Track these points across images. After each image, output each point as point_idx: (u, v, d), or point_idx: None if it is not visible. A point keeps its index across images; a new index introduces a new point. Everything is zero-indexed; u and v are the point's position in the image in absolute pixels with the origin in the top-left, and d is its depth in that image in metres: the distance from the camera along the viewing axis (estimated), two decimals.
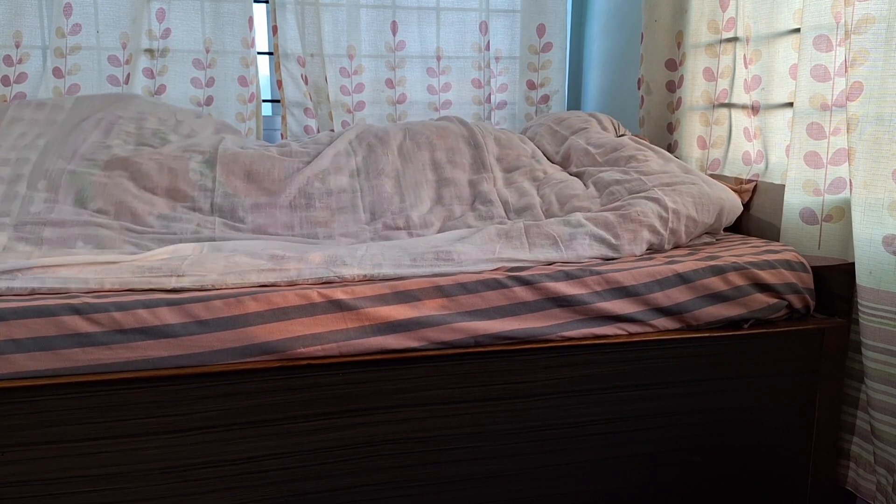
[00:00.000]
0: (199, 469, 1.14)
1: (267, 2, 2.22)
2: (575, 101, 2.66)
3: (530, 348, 1.24)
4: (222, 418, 1.13)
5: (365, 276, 1.22)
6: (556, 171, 1.77)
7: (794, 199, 1.51)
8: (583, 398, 1.28)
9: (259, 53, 2.24)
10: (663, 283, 1.31)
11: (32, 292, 1.12)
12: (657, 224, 1.44)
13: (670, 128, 2.08)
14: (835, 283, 1.40)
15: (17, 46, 2.02)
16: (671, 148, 2.06)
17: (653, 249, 1.46)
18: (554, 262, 1.33)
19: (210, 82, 2.19)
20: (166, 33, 2.13)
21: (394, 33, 2.31)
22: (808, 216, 1.49)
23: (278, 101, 2.26)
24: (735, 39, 1.82)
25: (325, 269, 1.23)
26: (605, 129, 1.93)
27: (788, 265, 1.38)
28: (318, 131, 2.23)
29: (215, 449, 1.14)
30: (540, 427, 1.27)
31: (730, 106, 1.85)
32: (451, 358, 1.21)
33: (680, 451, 1.35)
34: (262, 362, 1.14)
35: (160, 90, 2.15)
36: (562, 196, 1.62)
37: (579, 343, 1.26)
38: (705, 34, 1.90)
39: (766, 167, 1.71)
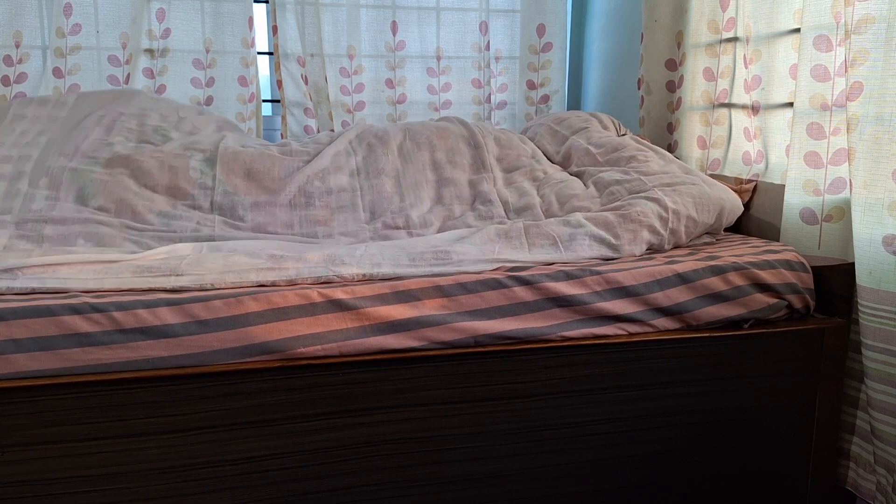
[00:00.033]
0: (199, 469, 1.14)
1: (267, 2, 2.22)
2: (575, 101, 2.66)
3: (530, 348, 1.24)
4: (222, 418, 1.13)
5: (364, 275, 1.22)
6: (556, 171, 1.77)
7: (794, 199, 1.51)
8: (583, 398, 1.28)
9: (259, 53, 2.24)
10: (663, 283, 1.31)
11: (32, 291, 1.13)
12: (657, 224, 1.44)
13: (670, 128, 2.08)
14: (835, 283, 1.40)
15: (17, 46, 2.02)
16: (671, 148, 2.06)
17: (653, 249, 1.46)
18: (554, 263, 1.33)
19: (210, 82, 2.19)
20: (166, 33, 2.13)
21: (394, 33, 2.31)
22: (808, 216, 1.49)
23: (278, 101, 2.26)
24: (735, 39, 1.82)
25: (324, 268, 1.23)
26: (605, 128, 1.93)
27: (788, 265, 1.38)
28: (318, 131, 2.23)
29: (215, 449, 1.14)
30: (540, 427, 1.27)
31: (730, 106, 1.85)
32: (451, 358, 1.21)
33: (680, 451, 1.35)
34: (262, 362, 1.14)
35: (160, 90, 2.15)
36: (562, 196, 1.62)
37: (579, 343, 1.26)
38: (705, 34, 1.90)
39: (766, 167, 1.71)
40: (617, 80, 2.42)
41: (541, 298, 1.25)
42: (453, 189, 1.70)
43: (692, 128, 1.97)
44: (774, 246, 1.49)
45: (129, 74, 2.11)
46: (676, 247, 1.50)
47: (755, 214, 1.73)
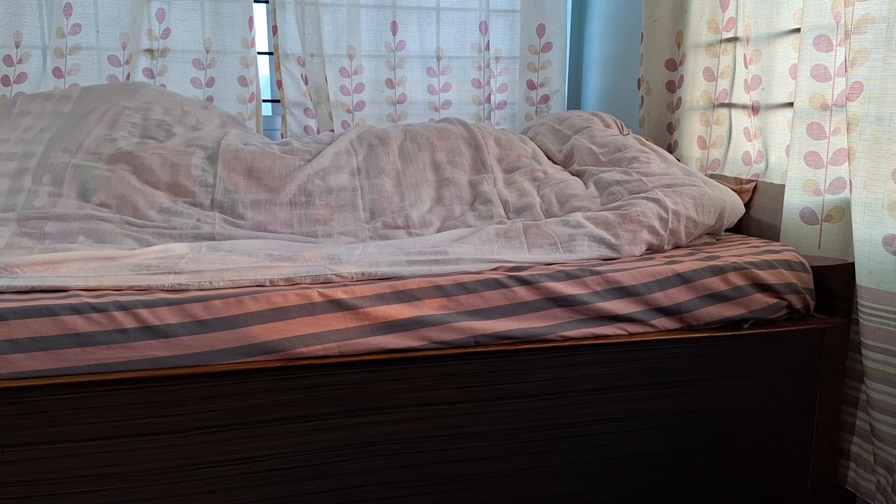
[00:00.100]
0: (199, 469, 1.14)
1: (267, 2, 2.22)
2: (575, 101, 2.66)
3: (530, 348, 1.24)
4: (222, 418, 1.13)
5: (362, 274, 1.22)
6: (556, 171, 1.77)
7: (794, 199, 1.51)
8: (583, 398, 1.28)
9: (259, 53, 2.24)
10: (663, 283, 1.31)
11: (32, 290, 1.13)
12: (657, 225, 1.44)
13: (670, 128, 2.08)
14: (835, 283, 1.40)
15: (17, 46, 2.02)
16: (671, 148, 2.06)
17: (652, 250, 1.46)
18: (553, 263, 1.33)
19: (210, 82, 2.19)
20: (166, 33, 2.13)
21: (394, 33, 2.31)
22: (808, 216, 1.49)
23: (278, 101, 2.26)
24: (735, 39, 1.82)
25: (322, 267, 1.23)
26: (608, 126, 1.93)
27: (788, 265, 1.38)
28: (318, 131, 2.23)
29: (215, 449, 1.14)
30: (540, 427, 1.27)
31: (730, 106, 1.85)
32: (451, 358, 1.21)
33: (680, 451, 1.35)
34: (262, 362, 1.14)
35: None
36: (562, 196, 1.62)
37: (579, 343, 1.26)
38: (705, 34, 1.90)
39: (766, 167, 1.71)
40: (617, 80, 2.42)
41: (541, 298, 1.25)
42: (453, 189, 1.70)
43: (692, 128, 1.97)
44: (774, 246, 1.49)
45: (128, 74, 2.11)
46: (676, 247, 1.50)
47: (755, 214, 1.73)
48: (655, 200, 1.47)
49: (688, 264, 1.34)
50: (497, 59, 2.42)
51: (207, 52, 2.17)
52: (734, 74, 1.83)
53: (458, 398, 1.22)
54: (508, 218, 1.61)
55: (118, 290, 1.15)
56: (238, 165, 1.64)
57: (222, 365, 1.12)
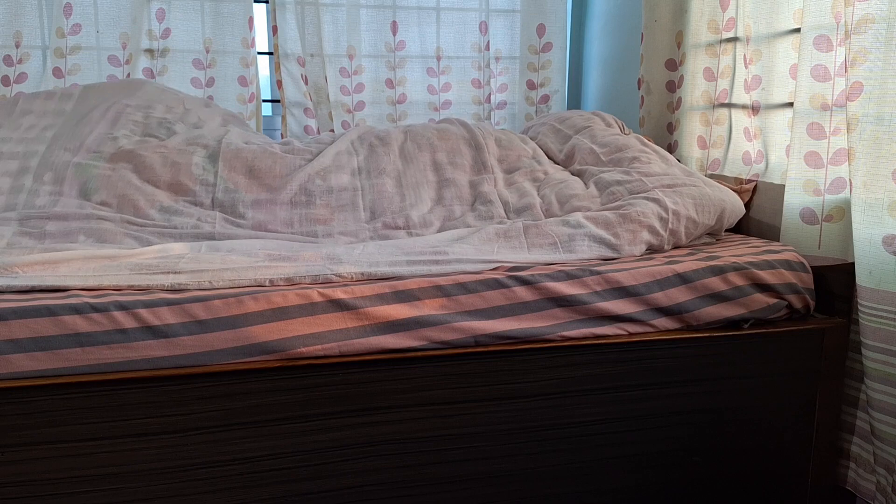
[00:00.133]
0: (199, 469, 1.14)
1: (267, 2, 2.22)
2: (575, 101, 2.66)
3: (530, 348, 1.24)
4: (222, 418, 1.13)
5: (362, 273, 1.22)
6: (556, 172, 1.77)
7: (794, 199, 1.51)
8: (583, 398, 1.28)
9: (259, 53, 2.24)
10: (663, 283, 1.31)
11: (32, 290, 1.13)
12: (657, 225, 1.44)
13: (670, 128, 2.08)
14: (835, 283, 1.40)
15: (17, 46, 2.02)
16: (671, 148, 2.06)
17: (652, 250, 1.46)
18: (553, 263, 1.33)
19: (210, 82, 2.19)
20: (166, 33, 2.13)
21: (394, 33, 2.31)
22: (809, 216, 1.49)
23: (278, 101, 2.26)
24: (735, 39, 1.82)
25: (321, 266, 1.23)
26: (609, 126, 1.93)
27: (788, 265, 1.38)
28: (318, 131, 2.23)
29: (215, 449, 1.14)
30: (540, 427, 1.27)
31: (730, 106, 1.85)
32: (451, 358, 1.21)
33: (680, 451, 1.35)
34: (262, 362, 1.14)
35: None
36: (562, 196, 1.62)
37: (579, 343, 1.26)
38: (705, 34, 1.90)
39: (766, 167, 1.71)
40: (617, 80, 2.42)
41: (541, 298, 1.25)
42: (454, 190, 1.70)
43: (692, 128, 1.97)
44: (774, 246, 1.49)
45: (128, 74, 2.11)
46: (676, 247, 1.50)
47: (755, 214, 1.73)
48: (656, 200, 1.47)
49: (688, 264, 1.34)
50: (497, 59, 2.42)
51: (207, 52, 2.17)
52: (734, 74, 1.83)
53: (458, 398, 1.22)
54: (508, 218, 1.61)
55: (118, 289, 1.15)
56: (239, 164, 1.64)
57: (222, 365, 1.12)
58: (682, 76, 2.01)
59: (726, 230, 1.69)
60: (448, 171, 1.75)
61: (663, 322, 1.32)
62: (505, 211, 1.63)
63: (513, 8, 2.41)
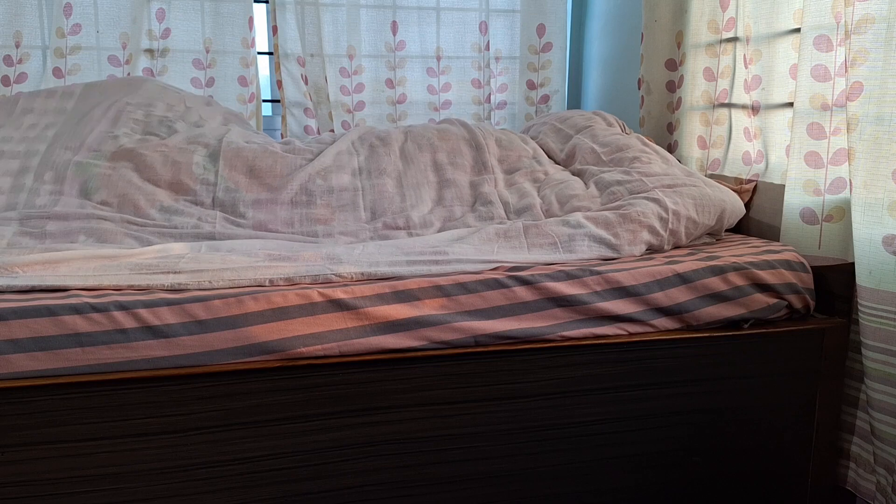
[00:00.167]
0: (199, 469, 1.14)
1: (267, 2, 2.22)
2: (575, 101, 2.66)
3: (530, 348, 1.24)
4: (222, 418, 1.13)
5: (362, 273, 1.22)
6: (556, 172, 1.77)
7: (795, 199, 1.51)
8: (583, 398, 1.28)
9: (259, 53, 2.24)
10: (663, 283, 1.31)
11: (32, 290, 1.13)
12: (657, 225, 1.44)
13: (670, 128, 2.08)
14: (835, 283, 1.40)
15: (17, 46, 2.02)
16: (671, 148, 2.06)
17: (652, 250, 1.46)
18: (553, 263, 1.33)
19: (210, 82, 2.19)
20: (166, 33, 2.13)
21: (394, 33, 2.31)
22: (809, 216, 1.49)
23: (278, 101, 2.26)
24: (735, 39, 1.82)
25: (321, 266, 1.23)
26: (610, 125, 1.93)
27: (788, 265, 1.38)
28: (318, 131, 2.23)
29: (215, 449, 1.14)
30: (540, 427, 1.27)
31: (730, 106, 1.85)
32: (451, 358, 1.21)
33: (680, 451, 1.35)
34: (262, 362, 1.14)
35: None
36: (562, 196, 1.62)
37: (579, 343, 1.26)
38: (705, 34, 1.90)
39: (766, 167, 1.71)
40: (617, 80, 2.42)
41: (541, 298, 1.25)
42: (454, 190, 1.70)
43: (692, 128, 1.97)
44: (774, 246, 1.49)
45: (128, 74, 2.11)
46: (676, 247, 1.50)
47: (755, 214, 1.73)
48: (656, 200, 1.47)
49: (688, 264, 1.34)
50: (497, 59, 2.42)
51: (207, 52, 2.17)
52: (734, 74, 1.83)
53: (458, 398, 1.22)
54: (509, 219, 1.61)
55: (118, 289, 1.15)
56: (240, 164, 1.64)
57: (222, 365, 1.12)
58: (682, 76, 2.01)
59: (726, 230, 1.70)
60: (448, 171, 1.75)
61: (663, 322, 1.32)
62: (505, 212, 1.63)
63: (513, 8, 2.41)
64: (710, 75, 1.90)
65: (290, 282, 1.20)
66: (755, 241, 1.57)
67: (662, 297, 1.30)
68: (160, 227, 1.48)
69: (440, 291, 1.21)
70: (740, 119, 1.81)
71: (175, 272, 1.19)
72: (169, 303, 1.11)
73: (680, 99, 2.02)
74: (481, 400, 1.23)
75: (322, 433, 1.18)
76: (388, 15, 2.30)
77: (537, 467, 1.29)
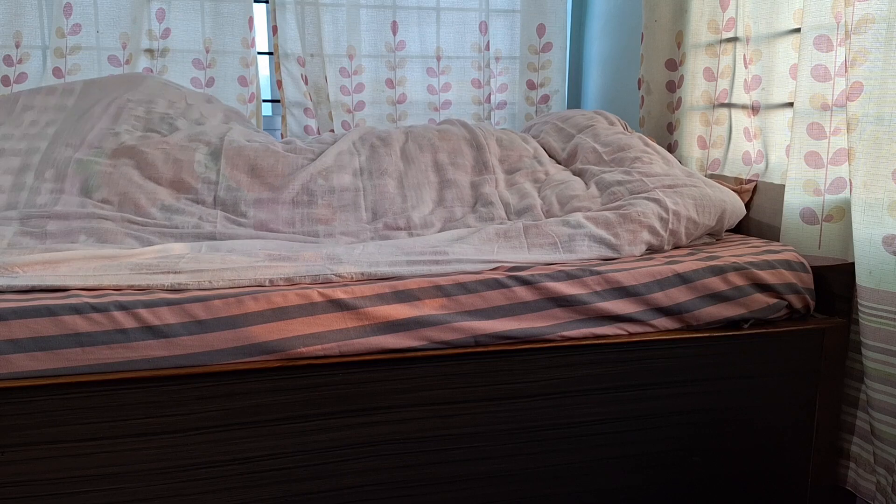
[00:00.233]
0: (199, 469, 1.14)
1: (267, 2, 2.22)
2: (575, 101, 2.66)
3: (530, 348, 1.24)
4: (222, 418, 1.13)
5: (362, 273, 1.22)
6: (557, 172, 1.77)
7: (795, 199, 1.51)
8: (583, 398, 1.28)
9: (259, 53, 2.24)
10: (663, 283, 1.31)
11: (32, 290, 1.13)
12: (657, 225, 1.44)
13: (670, 128, 2.08)
14: (835, 283, 1.40)
15: (17, 46, 2.02)
16: (671, 148, 2.06)
17: (652, 250, 1.46)
18: (553, 263, 1.33)
19: (210, 82, 2.19)
20: (166, 33, 2.13)
21: (394, 33, 2.31)
22: (809, 216, 1.49)
23: (278, 101, 2.26)
24: (735, 39, 1.82)
25: (322, 266, 1.23)
26: (612, 125, 1.93)
27: (788, 265, 1.38)
28: (318, 131, 2.23)
29: (215, 449, 1.14)
30: (540, 427, 1.27)
31: (730, 106, 1.85)
32: (451, 358, 1.21)
33: (680, 451, 1.35)
34: (262, 362, 1.14)
35: None
36: (563, 197, 1.62)
37: (579, 343, 1.26)
38: (705, 34, 1.90)
39: (766, 167, 1.71)
40: (617, 80, 2.42)
41: (541, 298, 1.25)
42: (455, 191, 1.70)
43: (692, 128, 1.97)
44: (774, 246, 1.49)
45: None
46: (676, 247, 1.50)
47: (755, 214, 1.73)
48: (656, 201, 1.47)
49: (688, 264, 1.34)
50: (497, 59, 2.42)
51: (207, 52, 2.17)
52: (734, 74, 1.83)
53: (458, 398, 1.22)
54: (509, 219, 1.61)
55: (118, 289, 1.15)
56: (241, 163, 1.64)
57: (222, 365, 1.12)
58: (682, 76, 2.01)
59: (726, 230, 1.70)
60: (449, 171, 1.75)
61: (663, 322, 1.32)
62: (506, 212, 1.63)
63: (513, 8, 2.41)
64: (710, 75, 1.90)
65: (291, 282, 1.20)
66: (755, 241, 1.57)
67: (662, 297, 1.30)
68: (161, 227, 1.48)
69: (440, 291, 1.21)
70: (740, 119, 1.81)
71: (175, 272, 1.19)
72: (169, 303, 1.11)
73: (680, 99, 2.02)
74: (481, 400, 1.23)
75: (322, 433, 1.18)
76: (388, 15, 2.30)
77: (537, 467, 1.29)
